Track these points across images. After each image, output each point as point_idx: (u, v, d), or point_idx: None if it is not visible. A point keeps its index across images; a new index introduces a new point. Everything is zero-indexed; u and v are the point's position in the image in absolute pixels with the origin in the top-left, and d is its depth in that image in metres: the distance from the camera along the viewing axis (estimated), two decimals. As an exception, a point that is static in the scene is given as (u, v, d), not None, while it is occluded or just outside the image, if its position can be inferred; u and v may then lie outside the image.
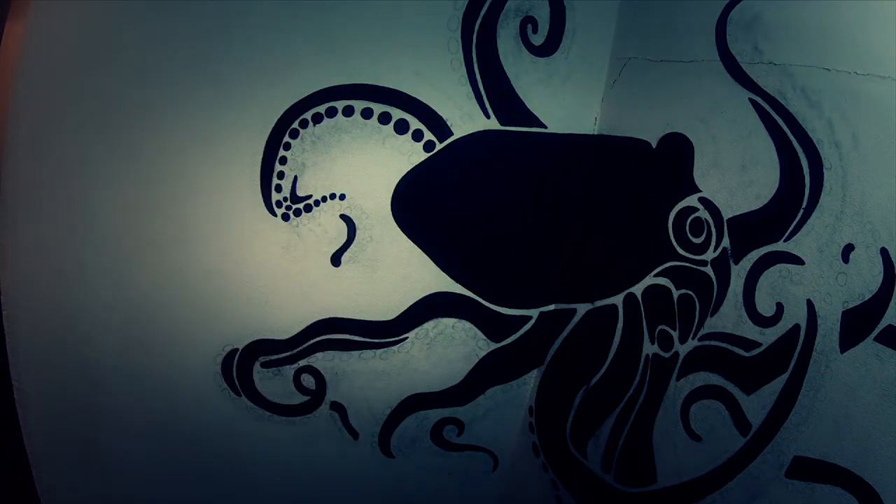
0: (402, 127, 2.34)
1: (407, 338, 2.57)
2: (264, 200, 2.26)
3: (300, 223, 2.31)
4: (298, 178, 2.28)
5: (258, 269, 2.32)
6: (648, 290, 2.41)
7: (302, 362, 2.46)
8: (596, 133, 2.60)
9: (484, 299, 2.62)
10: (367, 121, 2.30)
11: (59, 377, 2.22)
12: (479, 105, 2.41)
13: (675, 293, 2.31)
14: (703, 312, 2.21)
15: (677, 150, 2.29)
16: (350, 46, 2.22)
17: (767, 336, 2.03)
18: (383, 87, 2.30)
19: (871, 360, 1.76)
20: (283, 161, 2.25)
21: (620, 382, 2.47)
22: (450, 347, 2.62)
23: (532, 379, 2.81)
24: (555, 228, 2.66)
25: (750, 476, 2.04)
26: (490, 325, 2.66)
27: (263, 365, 2.40)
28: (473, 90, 2.39)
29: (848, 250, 1.82)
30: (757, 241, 2.06)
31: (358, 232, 2.39)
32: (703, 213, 2.22)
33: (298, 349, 2.44)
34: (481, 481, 2.86)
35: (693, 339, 2.24)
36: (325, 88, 2.24)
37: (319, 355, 2.47)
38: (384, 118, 2.32)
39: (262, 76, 2.15)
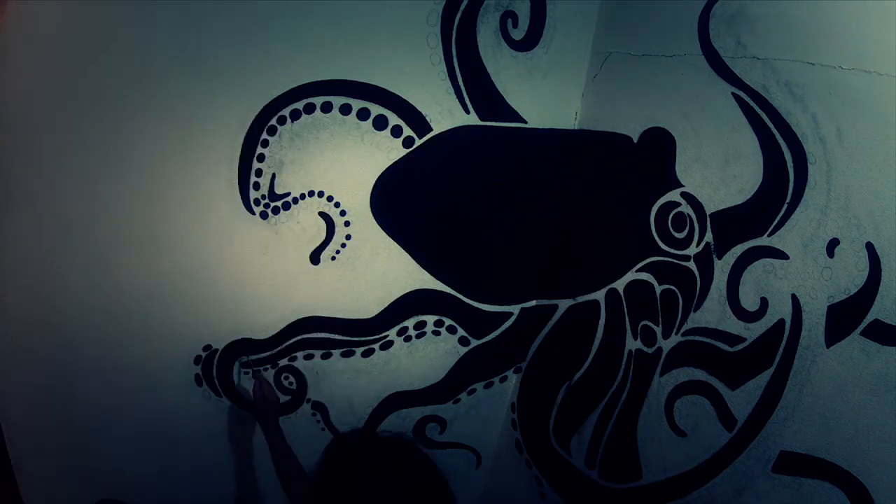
0: (381, 123, 2.32)
1: (387, 336, 2.55)
2: (242, 199, 2.24)
3: (278, 221, 2.29)
4: (277, 176, 2.25)
5: (237, 269, 2.29)
6: (631, 286, 2.40)
7: (282, 362, 2.44)
8: (577, 128, 2.59)
9: (464, 296, 2.61)
10: (346, 117, 2.28)
11: (39, 380, 2.19)
12: (459, 100, 2.39)
13: (658, 288, 2.30)
14: (687, 307, 2.21)
15: (659, 144, 2.29)
16: (328, 42, 2.19)
17: (752, 331, 2.03)
18: (362, 83, 2.27)
19: (858, 355, 1.76)
20: (261, 158, 2.22)
21: (603, 378, 2.47)
22: (431, 345, 2.61)
23: (514, 375, 2.80)
24: (535, 224, 2.65)
25: (736, 471, 2.04)
26: (471, 322, 2.65)
27: (244, 365, 2.38)
28: (453, 85, 2.37)
29: (833, 245, 1.82)
30: (740, 235, 2.06)
31: (337, 229, 2.37)
32: (686, 208, 2.21)
33: (278, 349, 2.42)
34: (465, 479, 2.86)
35: (676, 334, 2.23)
36: (304, 85, 2.21)
37: (299, 354, 2.45)
38: (363, 114, 2.29)
39: (239, 73, 2.12)
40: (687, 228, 2.21)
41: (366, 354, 2.55)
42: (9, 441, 2.23)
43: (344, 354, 2.51)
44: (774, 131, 1.95)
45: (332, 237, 2.38)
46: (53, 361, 2.18)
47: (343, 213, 2.36)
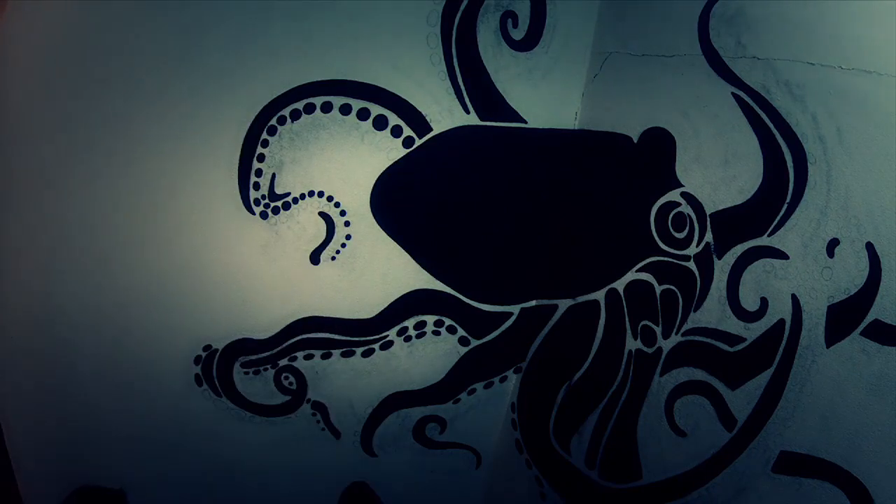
0: (381, 123, 2.33)
1: (387, 336, 2.55)
2: (242, 199, 2.25)
3: (278, 221, 2.30)
4: (277, 176, 2.26)
5: (237, 269, 2.30)
6: (631, 286, 2.40)
7: (282, 362, 2.44)
8: (577, 128, 2.59)
9: (464, 296, 2.61)
10: (346, 117, 2.28)
11: (39, 380, 2.21)
12: (459, 100, 2.40)
13: (658, 288, 2.30)
14: (687, 307, 2.21)
15: (659, 144, 2.29)
16: (328, 42, 2.20)
17: (752, 331, 2.03)
18: (362, 83, 2.28)
19: (858, 355, 1.77)
20: (261, 158, 2.23)
21: (603, 378, 2.47)
22: (430, 345, 2.61)
23: (514, 375, 2.80)
24: (535, 224, 2.65)
25: (736, 471, 2.04)
26: (471, 322, 2.65)
27: (243, 365, 2.39)
28: (453, 85, 2.38)
29: (833, 245, 1.83)
30: (740, 235, 2.06)
31: (336, 229, 2.38)
32: (686, 208, 2.21)
33: (278, 349, 2.42)
34: (465, 479, 2.85)
35: (677, 334, 2.24)
36: (303, 85, 2.22)
37: (300, 354, 2.45)
38: (363, 114, 2.30)
39: (239, 73, 2.13)
40: (687, 228, 2.21)
41: (366, 354, 2.54)
42: (9, 441, 2.23)
43: (344, 354, 2.51)
44: (774, 131, 1.96)
45: (331, 237, 2.38)
46: (54, 361, 2.19)
47: (343, 213, 2.37)
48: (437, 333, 2.61)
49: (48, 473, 2.30)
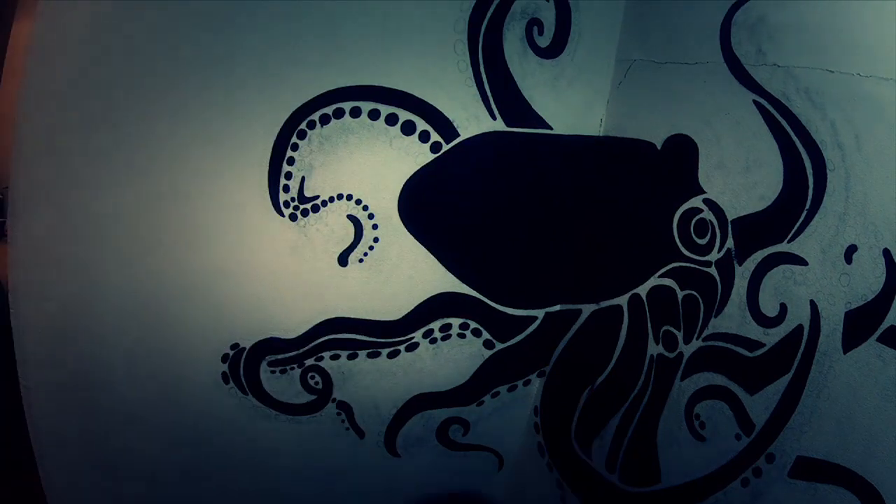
0: (409, 128, 2.36)
1: (413, 338, 2.58)
2: (272, 200, 2.28)
3: (307, 223, 2.33)
4: (306, 179, 2.29)
5: (266, 269, 2.33)
6: (653, 291, 2.42)
7: (308, 361, 2.46)
8: (601, 134, 2.61)
9: (490, 299, 2.63)
10: (375, 122, 2.32)
11: (67, 376, 2.23)
12: (486, 106, 2.42)
13: (680, 294, 2.31)
14: (708, 313, 2.22)
15: (682, 151, 2.30)
16: (357, 48, 2.23)
17: (771, 336, 2.03)
18: (390, 89, 2.31)
19: (874, 361, 1.76)
20: (291, 162, 2.26)
21: (625, 383, 2.48)
22: (455, 347, 2.63)
23: (537, 379, 2.81)
24: (560, 229, 2.67)
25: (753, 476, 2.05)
26: (496, 326, 2.67)
27: (270, 364, 2.41)
28: (480, 92, 2.40)
29: (851, 251, 1.83)
30: (761, 242, 2.07)
31: (365, 232, 2.40)
32: (708, 215, 2.22)
33: (305, 348, 2.45)
34: (487, 481, 2.87)
35: (697, 339, 2.24)
36: (333, 90, 2.25)
37: (326, 354, 2.48)
38: (391, 119, 2.33)
39: (269, 78, 2.17)
40: (709, 234, 2.23)
41: (391, 356, 2.57)
42: (34, 435, 2.26)
43: (370, 355, 2.54)
44: (794, 138, 1.96)
45: (359, 240, 2.41)
46: (82, 357, 2.22)
47: (371, 217, 2.40)
48: (462, 336, 2.63)
49: (71, 468, 2.33)
